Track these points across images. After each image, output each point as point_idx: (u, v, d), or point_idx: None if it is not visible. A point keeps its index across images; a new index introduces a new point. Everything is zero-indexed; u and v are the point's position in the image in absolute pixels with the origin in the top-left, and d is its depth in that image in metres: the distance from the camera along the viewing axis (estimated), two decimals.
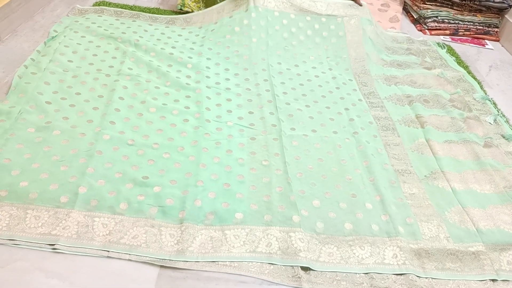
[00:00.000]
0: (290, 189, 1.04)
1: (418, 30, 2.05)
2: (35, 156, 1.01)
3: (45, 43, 1.45)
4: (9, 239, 0.84)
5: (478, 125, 1.37)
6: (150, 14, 1.77)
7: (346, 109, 1.37)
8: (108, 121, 1.14)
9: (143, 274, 0.83)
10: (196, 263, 0.86)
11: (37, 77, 1.26)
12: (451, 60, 1.76)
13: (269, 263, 0.89)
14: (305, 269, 0.89)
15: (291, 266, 0.88)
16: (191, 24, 1.74)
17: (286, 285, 0.86)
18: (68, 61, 1.37)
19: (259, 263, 0.88)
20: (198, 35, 1.67)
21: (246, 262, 0.88)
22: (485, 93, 1.57)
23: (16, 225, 0.86)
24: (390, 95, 1.48)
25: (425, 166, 1.19)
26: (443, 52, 1.82)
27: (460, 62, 1.78)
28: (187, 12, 1.82)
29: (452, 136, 1.32)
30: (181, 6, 1.83)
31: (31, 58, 1.34)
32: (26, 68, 1.30)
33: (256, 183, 1.05)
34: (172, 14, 1.82)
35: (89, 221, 0.89)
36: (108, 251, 0.85)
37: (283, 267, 0.88)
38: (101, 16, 1.67)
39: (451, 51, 1.85)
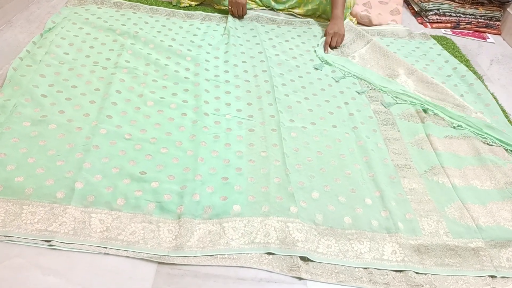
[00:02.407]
0: (288, 180, 1.03)
1: (419, 23, 2.03)
2: (30, 151, 0.99)
3: (41, 34, 1.42)
4: (4, 236, 0.83)
5: None
6: (151, 6, 1.74)
7: (346, 103, 1.36)
8: (105, 115, 1.12)
9: (140, 271, 0.82)
10: (195, 257, 0.85)
11: (32, 70, 1.24)
12: (449, 55, 1.75)
13: (267, 253, 0.88)
14: (304, 259, 0.88)
15: (290, 256, 0.88)
16: (193, 18, 1.72)
17: (285, 275, 0.85)
18: (64, 53, 1.34)
19: (257, 254, 0.88)
20: (200, 28, 1.65)
21: (244, 254, 0.87)
22: (486, 88, 1.56)
23: (12, 221, 0.85)
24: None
25: (425, 161, 1.18)
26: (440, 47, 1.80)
27: (461, 56, 1.76)
28: (185, 7, 1.80)
29: (453, 131, 1.31)
30: (177, 2, 1.80)
31: (26, 50, 1.32)
32: (21, 60, 1.27)
33: (254, 175, 1.04)
34: (170, 6, 1.79)
35: (86, 217, 0.88)
36: (106, 247, 0.84)
37: (282, 257, 0.88)
38: (101, 8, 1.64)
39: (452, 45, 1.84)
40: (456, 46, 1.83)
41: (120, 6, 1.69)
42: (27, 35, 1.45)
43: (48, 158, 0.98)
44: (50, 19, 1.51)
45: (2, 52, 1.34)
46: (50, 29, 1.46)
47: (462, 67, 1.63)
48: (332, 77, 1.47)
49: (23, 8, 1.59)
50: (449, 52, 1.76)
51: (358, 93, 1.41)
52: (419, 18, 2.06)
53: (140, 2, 1.75)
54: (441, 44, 1.81)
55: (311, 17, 1.90)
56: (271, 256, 0.88)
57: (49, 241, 0.83)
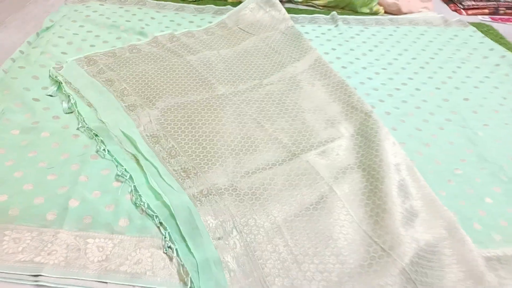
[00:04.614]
0: None
1: (452, 10, 1.83)
2: (18, 163, 0.84)
3: (37, 34, 1.28)
4: None
5: None
6: (158, 1, 1.59)
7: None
8: None
9: None
10: None
11: (25, 71, 1.09)
12: (494, 43, 1.55)
13: None
14: None
15: None
16: (203, 13, 1.57)
17: None
18: (62, 53, 1.20)
19: None
20: (211, 22, 1.49)
21: None
22: None
23: None
24: None
25: None
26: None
27: (506, 43, 1.56)
28: (193, 1, 1.65)
29: None
30: None
31: (19, 51, 1.18)
32: (14, 61, 1.13)
33: None
34: (178, 0, 1.64)
35: (81, 244, 0.72)
36: (106, 282, 0.67)
37: None
38: (103, 5, 1.50)
39: (494, 32, 1.64)
40: (499, 33, 1.63)
41: (124, 2, 1.55)
42: (23, 35, 1.30)
43: (38, 171, 0.83)
44: (47, 18, 1.37)
45: None
46: (47, 28, 1.32)
47: (511, 55, 1.44)
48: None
49: (19, 7, 1.46)
50: (491, 39, 1.56)
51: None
52: (452, 4, 1.86)
53: None
54: (482, 32, 1.62)
55: (335, 9, 1.72)
56: None
57: (36, 275, 0.67)
